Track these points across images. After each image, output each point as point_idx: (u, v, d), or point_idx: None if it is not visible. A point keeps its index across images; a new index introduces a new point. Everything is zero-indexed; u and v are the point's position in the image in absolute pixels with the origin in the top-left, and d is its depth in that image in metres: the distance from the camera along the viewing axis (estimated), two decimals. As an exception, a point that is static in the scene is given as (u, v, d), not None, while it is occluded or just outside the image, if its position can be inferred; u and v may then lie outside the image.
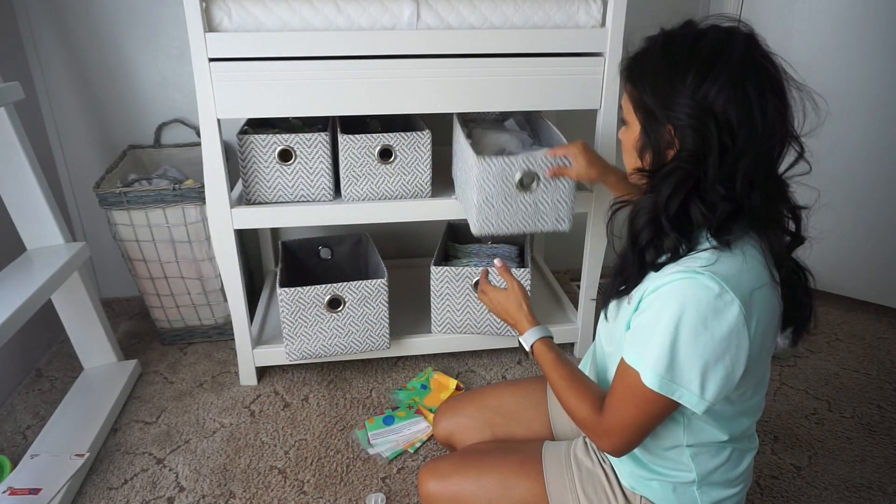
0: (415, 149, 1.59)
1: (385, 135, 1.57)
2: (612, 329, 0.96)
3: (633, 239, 0.88)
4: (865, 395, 1.73)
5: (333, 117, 1.77)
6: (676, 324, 0.78)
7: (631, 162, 0.93)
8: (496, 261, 1.22)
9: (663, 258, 0.85)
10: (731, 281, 0.78)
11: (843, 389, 1.76)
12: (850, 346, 1.97)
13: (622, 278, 0.92)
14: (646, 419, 0.85)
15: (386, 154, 1.58)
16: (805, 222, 0.88)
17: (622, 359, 0.86)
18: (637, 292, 0.88)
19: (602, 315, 1.01)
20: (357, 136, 1.55)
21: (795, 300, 0.88)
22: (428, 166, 1.61)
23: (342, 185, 1.60)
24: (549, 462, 1.05)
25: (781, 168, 0.86)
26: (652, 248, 0.86)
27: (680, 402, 0.81)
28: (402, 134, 1.57)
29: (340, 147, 1.55)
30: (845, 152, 2.06)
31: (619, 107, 0.94)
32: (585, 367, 1.15)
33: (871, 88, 1.96)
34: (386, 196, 1.63)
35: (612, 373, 0.94)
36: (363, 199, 1.62)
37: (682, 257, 0.83)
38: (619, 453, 0.90)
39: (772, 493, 1.40)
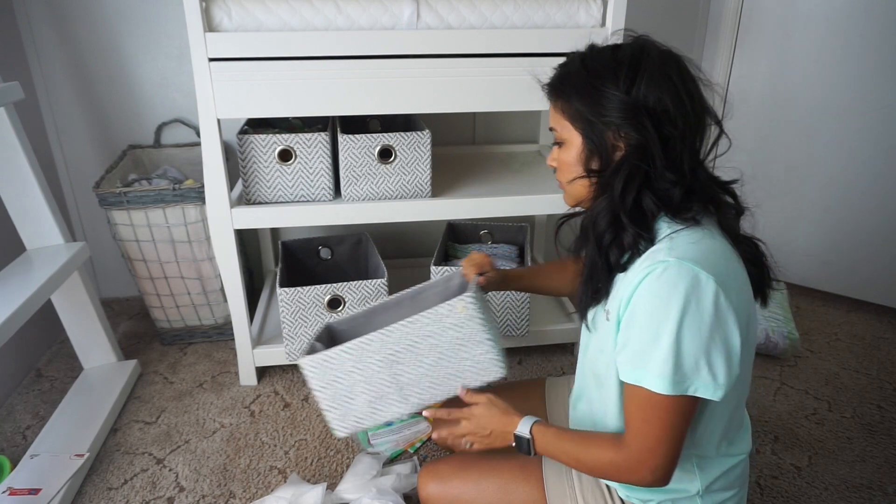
0: (415, 149, 1.59)
1: (385, 135, 1.57)
2: (599, 341, 0.95)
3: (597, 241, 0.90)
4: (865, 395, 1.73)
5: (333, 117, 1.77)
6: (667, 322, 0.78)
7: (573, 179, 0.94)
8: (460, 390, 1.08)
9: (626, 257, 0.87)
10: (699, 260, 0.80)
11: (843, 389, 1.76)
12: (851, 346, 1.97)
13: (594, 284, 0.93)
14: (672, 430, 0.83)
15: (386, 154, 1.58)
16: (740, 195, 0.94)
17: (625, 382, 0.85)
18: (612, 304, 0.89)
19: (584, 326, 1.00)
20: (357, 136, 1.55)
21: (755, 265, 0.92)
22: (428, 166, 1.61)
23: (342, 185, 1.60)
24: (549, 468, 1.05)
25: (708, 147, 0.92)
26: (615, 246, 0.88)
27: (696, 395, 0.81)
28: (402, 134, 1.57)
29: (340, 147, 1.55)
30: (845, 152, 2.06)
31: (550, 129, 0.95)
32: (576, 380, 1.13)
33: (870, 88, 1.96)
34: (386, 196, 1.63)
35: (607, 383, 0.93)
36: (363, 199, 1.62)
37: (644, 251, 0.86)
38: (661, 478, 0.85)
39: (772, 493, 1.40)
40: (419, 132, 1.58)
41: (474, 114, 2.18)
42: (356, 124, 1.74)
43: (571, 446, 0.93)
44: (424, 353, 1.12)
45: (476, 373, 1.13)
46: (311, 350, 1.19)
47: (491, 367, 1.13)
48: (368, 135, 1.56)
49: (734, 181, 0.93)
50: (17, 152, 1.50)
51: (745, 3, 2.12)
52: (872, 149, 2.01)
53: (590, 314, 0.98)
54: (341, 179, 1.59)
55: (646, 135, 0.84)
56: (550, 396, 1.25)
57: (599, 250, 0.89)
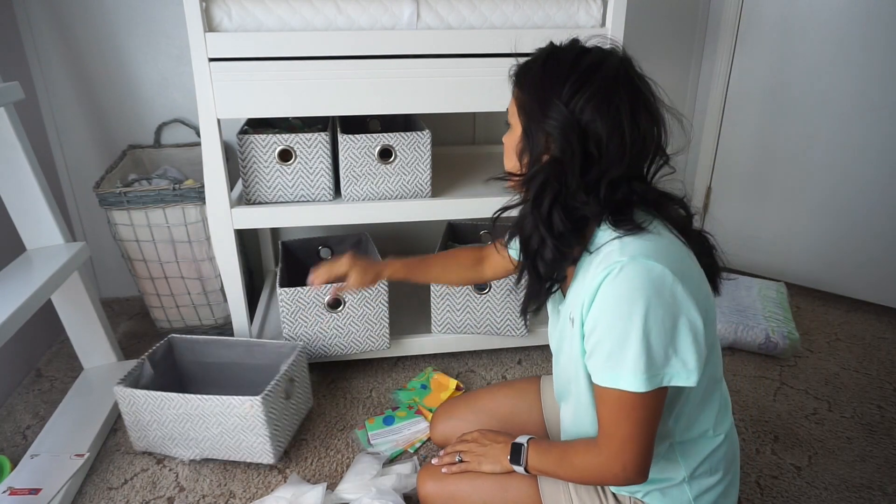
0: (415, 149, 1.59)
1: (385, 135, 1.57)
2: (568, 347, 0.95)
3: (524, 244, 0.90)
4: (865, 395, 1.73)
5: (333, 117, 1.77)
6: (632, 320, 0.79)
7: (510, 166, 0.95)
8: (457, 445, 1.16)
9: (556, 272, 0.89)
10: (651, 255, 0.81)
11: (843, 389, 1.76)
12: (850, 346, 1.97)
13: (529, 288, 0.95)
14: (644, 426, 0.84)
15: (386, 154, 1.58)
16: (689, 204, 0.94)
17: (596, 385, 0.86)
18: (574, 310, 0.89)
19: (550, 336, 1.03)
20: (357, 136, 1.55)
21: (707, 256, 0.94)
22: (428, 166, 1.61)
23: (342, 185, 1.60)
24: None
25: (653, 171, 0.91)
26: (539, 258, 0.88)
27: (671, 384, 0.82)
28: (402, 134, 1.57)
29: (340, 147, 1.55)
30: (845, 152, 2.06)
31: (506, 110, 0.96)
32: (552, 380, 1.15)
33: (871, 88, 1.96)
34: (386, 196, 1.63)
35: (580, 386, 0.94)
36: (363, 199, 1.62)
37: (581, 257, 0.87)
38: (634, 474, 0.86)
39: (772, 493, 1.40)
40: (419, 132, 1.58)
41: (474, 114, 2.18)
42: (356, 124, 1.74)
43: (555, 458, 0.97)
44: (211, 425, 1.37)
45: (249, 453, 1.40)
46: (140, 368, 1.48)
47: (263, 454, 1.40)
48: (368, 135, 1.56)
49: (682, 197, 0.94)
50: (17, 152, 1.50)
51: (745, 3, 2.13)
52: (872, 149, 2.01)
53: (554, 331, 1.00)
54: (341, 179, 1.59)
55: (567, 150, 0.83)
56: (545, 394, 1.26)
57: (527, 254, 0.91)
